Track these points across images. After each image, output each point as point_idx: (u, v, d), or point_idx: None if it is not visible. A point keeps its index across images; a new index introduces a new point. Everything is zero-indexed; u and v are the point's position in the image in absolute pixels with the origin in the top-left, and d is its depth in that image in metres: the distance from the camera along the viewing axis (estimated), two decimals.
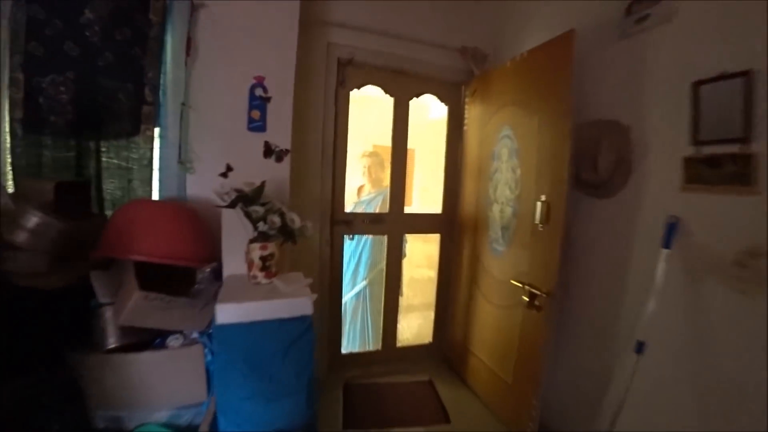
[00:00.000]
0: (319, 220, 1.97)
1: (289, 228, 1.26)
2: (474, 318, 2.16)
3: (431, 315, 2.50)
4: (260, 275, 1.35)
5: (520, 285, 1.73)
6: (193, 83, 1.67)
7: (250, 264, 1.36)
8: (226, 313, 1.18)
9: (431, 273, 2.49)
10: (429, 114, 4.33)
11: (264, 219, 1.26)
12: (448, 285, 2.41)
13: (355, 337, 2.48)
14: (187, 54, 1.66)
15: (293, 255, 1.89)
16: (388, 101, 2.19)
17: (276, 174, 1.45)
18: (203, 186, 1.50)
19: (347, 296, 2.45)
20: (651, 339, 1.32)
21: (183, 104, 1.67)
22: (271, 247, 1.33)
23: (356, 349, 2.47)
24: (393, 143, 2.21)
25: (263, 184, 1.30)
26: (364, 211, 2.48)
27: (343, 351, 2.33)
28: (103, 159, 1.68)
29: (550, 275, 1.58)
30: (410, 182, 4.38)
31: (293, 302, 1.23)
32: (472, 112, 2.21)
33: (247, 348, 1.21)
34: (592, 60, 1.60)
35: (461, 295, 2.29)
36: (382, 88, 2.13)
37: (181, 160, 1.67)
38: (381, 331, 2.37)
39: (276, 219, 1.26)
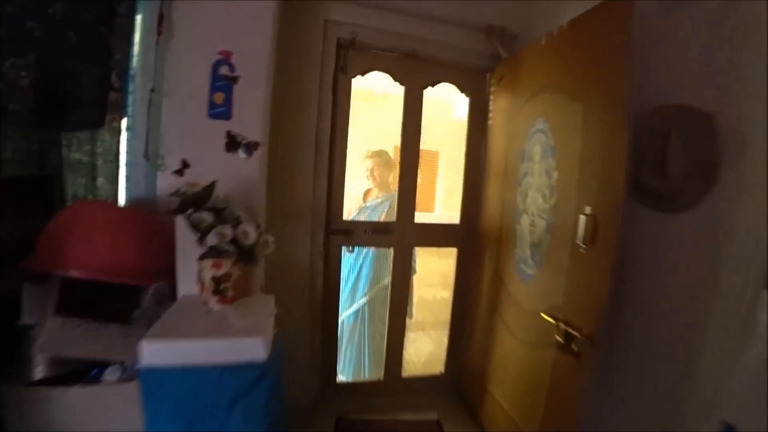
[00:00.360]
0: (311, 229, 1.68)
1: (240, 243, 0.97)
2: (494, 352, 1.78)
3: (444, 341, 2.14)
4: (212, 300, 1.07)
5: (552, 321, 1.35)
6: (165, 66, 1.44)
7: (201, 285, 1.08)
8: (153, 352, 0.91)
9: (445, 293, 2.14)
10: (454, 114, 4.00)
11: (213, 229, 0.98)
12: (465, 309, 2.04)
13: (350, 363, 2.17)
14: (159, 33, 1.43)
15: (276, 269, 1.61)
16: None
17: (243, 172, 1.17)
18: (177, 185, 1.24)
19: (344, 314, 2.14)
20: (744, 418, 0.91)
21: (152, 90, 1.44)
22: (227, 266, 1.05)
23: (352, 378, 2.16)
24: (403, 140, 1.89)
25: (213, 184, 1.03)
26: (368, 218, 2.16)
27: (339, 380, 2.03)
28: (65, 153, 1.48)
29: (594, 313, 1.19)
30: (432, 187, 4.03)
31: (241, 344, 0.93)
32: (498, 103, 1.84)
33: (181, 398, 0.92)
34: (659, 25, 1.20)
35: (480, 322, 1.91)
36: (391, 75, 1.81)
37: (147, 154, 1.44)
38: (383, 358, 2.04)
39: (227, 231, 0.97)
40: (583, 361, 1.24)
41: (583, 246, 1.24)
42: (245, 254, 1.00)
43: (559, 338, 1.32)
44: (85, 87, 1.45)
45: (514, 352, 1.64)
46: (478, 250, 1.94)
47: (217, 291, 1.05)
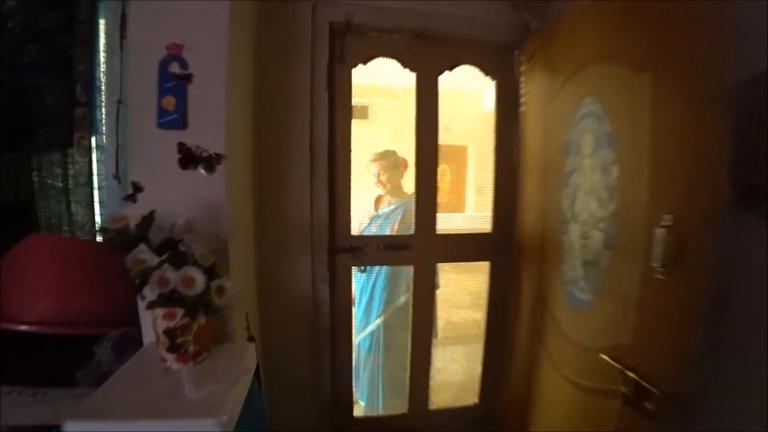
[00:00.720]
0: (310, 250, 1.44)
1: (181, 293, 0.74)
2: (538, 390, 1.45)
3: (477, 368, 1.83)
4: (170, 358, 0.85)
5: (617, 366, 1.02)
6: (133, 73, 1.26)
7: (156, 339, 0.87)
8: None
9: (477, 315, 1.82)
10: (483, 105, 3.68)
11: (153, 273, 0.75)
12: (502, 333, 1.72)
13: (366, 394, 1.93)
14: (122, 36, 1.25)
15: (272, 301, 1.39)
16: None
17: (205, 193, 0.94)
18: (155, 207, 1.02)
19: (359, 338, 1.90)
20: None
21: (119, 102, 1.26)
22: (182, 315, 0.82)
23: (372, 412, 1.91)
24: (417, 137, 1.60)
25: (151, 215, 0.80)
26: (380, 228, 1.89)
27: (357, 414, 1.78)
28: (35, 178, 1.34)
29: (679, 363, 0.86)
30: (462, 185, 3.69)
31: (189, 426, 0.70)
32: (532, 86, 1.50)
33: None
34: None
35: (520, 351, 1.59)
36: (399, 60, 1.53)
37: (117, 175, 1.26)
38: (407, 388, 1.77)
39: (171, 275, 0.74)
40: (661, 425, 0.91)
41: (661, 269, 0.90)
42: (193, 306, 0.77)
43: (625, 389, 0.99)
44: (50, 104, 1.29)
45: (562, 394, 1.31)
46: (516, 264, 1.62)
47: (174, 347, 0.83)
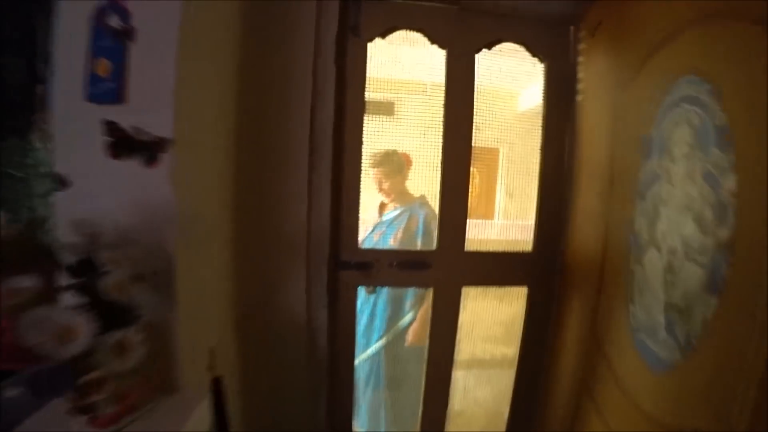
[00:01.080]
0: (305, 266, 1.18)
1: (50, 353, 0.49)
2: None
3: (504, 411, 1.51)
4: (75, 423, 0.61)
5: None
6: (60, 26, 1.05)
7: None
8: None
9: (508, 350, 1.51)
10: (518, 105, 3.32)
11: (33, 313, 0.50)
12: (537, 377, 1.40)
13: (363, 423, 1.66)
14: None
15: (258, 326, 1.15)
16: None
17: (148, 191, 0.70)
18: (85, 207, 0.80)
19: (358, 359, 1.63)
20: None
21: None
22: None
23: None
24: (445, 131, 1.31)
25: (34, 223, 0.56)
26: (384, 236, 1.58)
27: None
28: None
29: None
30: (491, 192, 3.34)
31: None
32: (595, 67, 1.18)
33: None
34: None
35: (559, 404, 1.27)
36: (426, 34, 1.24)
37: None
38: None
39: (60, 317, 0.49)
40: None
41: None
42: (73, 369, 0.52)
43: None
44: (10, 83, 1.10)
45: None
46: (561, 293, 1.29)
47: (85, 408, 0.59)
